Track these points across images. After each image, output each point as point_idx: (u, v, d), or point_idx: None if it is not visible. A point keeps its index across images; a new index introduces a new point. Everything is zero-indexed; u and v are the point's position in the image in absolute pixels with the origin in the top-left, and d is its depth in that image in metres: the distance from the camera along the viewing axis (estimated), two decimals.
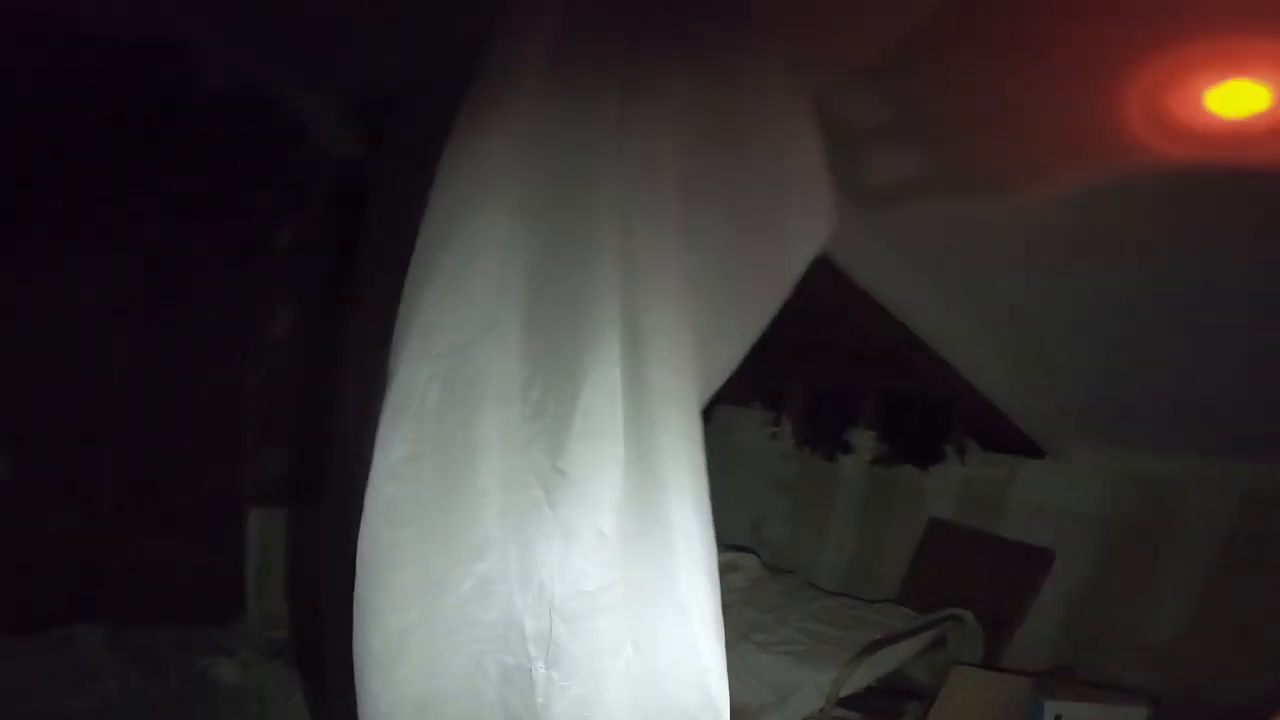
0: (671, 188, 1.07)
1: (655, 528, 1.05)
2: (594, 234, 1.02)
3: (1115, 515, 2.33)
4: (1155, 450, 2.23)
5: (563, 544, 0.99)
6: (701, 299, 1.12)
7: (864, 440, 3.35)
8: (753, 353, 3.68)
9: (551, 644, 0.99)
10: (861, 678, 1.94)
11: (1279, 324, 1.60)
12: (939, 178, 1.67)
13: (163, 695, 2.24)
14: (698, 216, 1.11)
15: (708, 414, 4.22)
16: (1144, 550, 2.24)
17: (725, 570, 2.98)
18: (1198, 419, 2.02)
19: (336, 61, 2.31)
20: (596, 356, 0.99)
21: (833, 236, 1.91)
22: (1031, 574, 2.43)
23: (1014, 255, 1.84)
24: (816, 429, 3.63)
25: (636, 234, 1.03)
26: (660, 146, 1.07)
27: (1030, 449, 2.62)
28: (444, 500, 1.01)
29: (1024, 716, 1.70)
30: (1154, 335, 1.84)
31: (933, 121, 1.55)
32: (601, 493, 0.99)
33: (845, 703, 2.00)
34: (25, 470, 2.33)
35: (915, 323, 2.19)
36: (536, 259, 1.05)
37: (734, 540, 3.82)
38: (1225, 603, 2.06)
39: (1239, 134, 1.26)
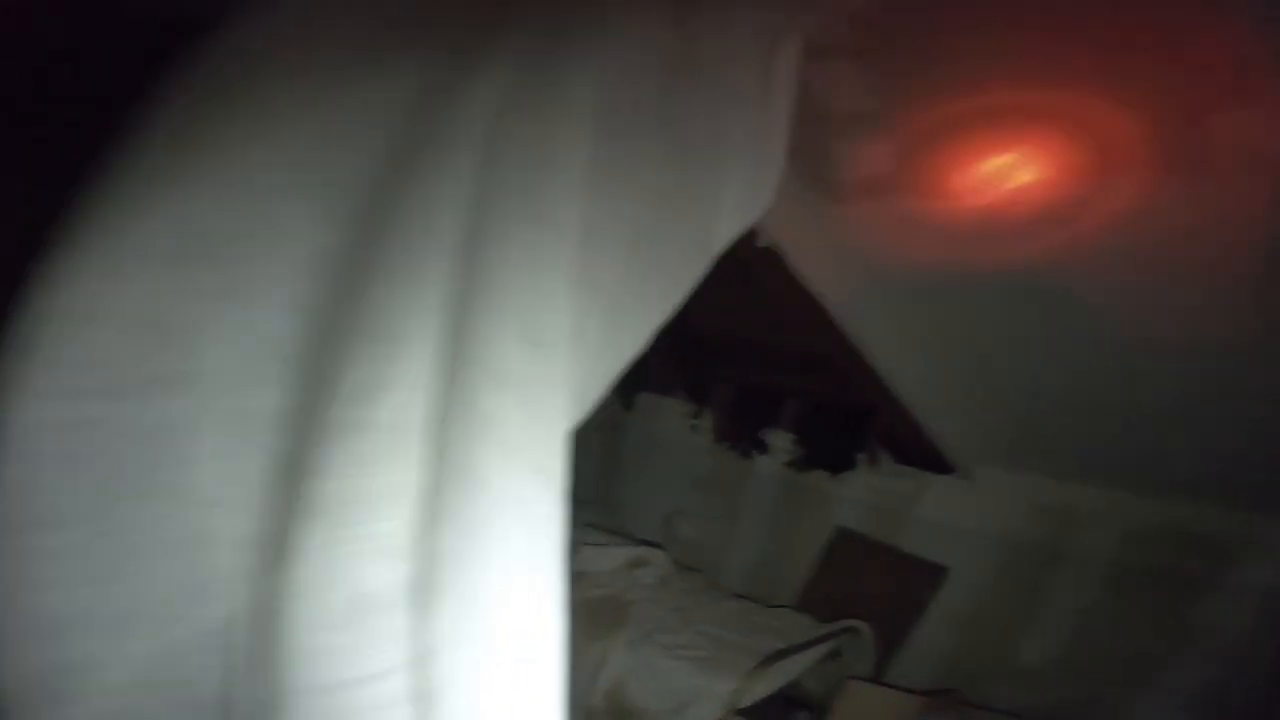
0: (574, 124, 0.83)
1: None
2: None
3: (1009, 538, 2.44)
4: (1055, 478, 2.34)
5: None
6: (602, 261, 0.89)
7: (781, 441, 3.38)
8: (680, 341, 3.58)
9: None
10: (760, 690, 1.94)
11: (1186, 369, 1.67)
12: (909, 178, 1.63)
13: None
14: (609, 166, 0.87)
15: (629, 400, 4.15)
16: (1030, 575, 2.36)
17: (634, 565, 2.97)
18: (1097, 452, 2.13)
19: None
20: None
21: (787, 226, 1.94)
22: (923, 589, 2.52)
23: (959, 272, 1.83)
24: (737, 426, 3.64)
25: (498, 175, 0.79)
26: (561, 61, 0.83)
27: (939, 465, 2.70)
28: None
29: None
30: (1069, 369, 1.90)
31: (913, 113, 1.48)
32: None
33: (739, 710, 2.01)
34: None
35: (851, 327, 2.20)
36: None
37: (645, 533, 3.81)
38: (1099, 633, 2.19)
39: None
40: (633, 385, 4.38)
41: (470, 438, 0.74)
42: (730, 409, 3.74)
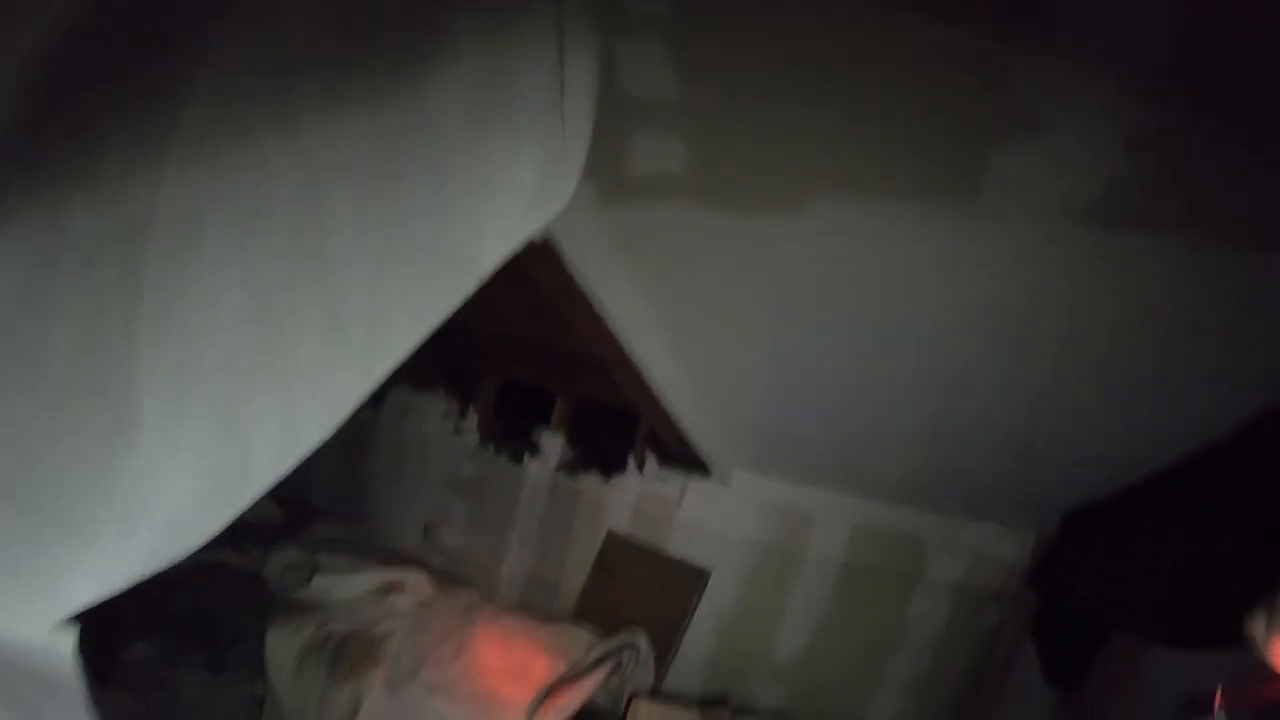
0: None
1: None
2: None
3: (760, 540, 2.69)
4: (796, 483, 2.63)
5: None
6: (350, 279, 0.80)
7: (552, 443, 3.29)
8: (442, 335, 3.27)
9: None
10: (556, 713, 1.82)
11: (905, 389, 1.97)
12: (697, 182, 1.64)
13: None
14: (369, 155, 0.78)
15: (381, 396, 3.66)
16: (780, 575, 2.63)
17: (385, 590, 2.59)
18: (832, 461, 2.45)
19: None
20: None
21: (562, 222, 1.85)
22: (688, 593, 2.66)
23: (733, 286, 1.91)
24: (505, 427, 3.45)
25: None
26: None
27: (699, 467, 2.86)
28: None
29: None
30: (806, 383, 2.13)
31: (713, 116, 1.48)
32: None
33: None
34: None
35: (621, 327, 2.19)
36: None
37: (404, 542, 3.39)
38: (838, 627, 2.51)
39: None
40: (383, 383, 3.88)
41: None
42: (497, 409, 3.53)
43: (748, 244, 1.75)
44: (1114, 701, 1.77)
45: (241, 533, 3.06)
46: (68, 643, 0.66)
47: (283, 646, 2.17)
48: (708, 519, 2.83)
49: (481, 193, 0.96)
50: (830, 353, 1.98)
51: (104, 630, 2.24)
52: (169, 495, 0.66)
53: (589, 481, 3.13)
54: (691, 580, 2.69)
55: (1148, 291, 1.40)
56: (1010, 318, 1.58)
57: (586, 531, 3.04)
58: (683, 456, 2.88)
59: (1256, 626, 1.22)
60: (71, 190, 0.55)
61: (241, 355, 0.70)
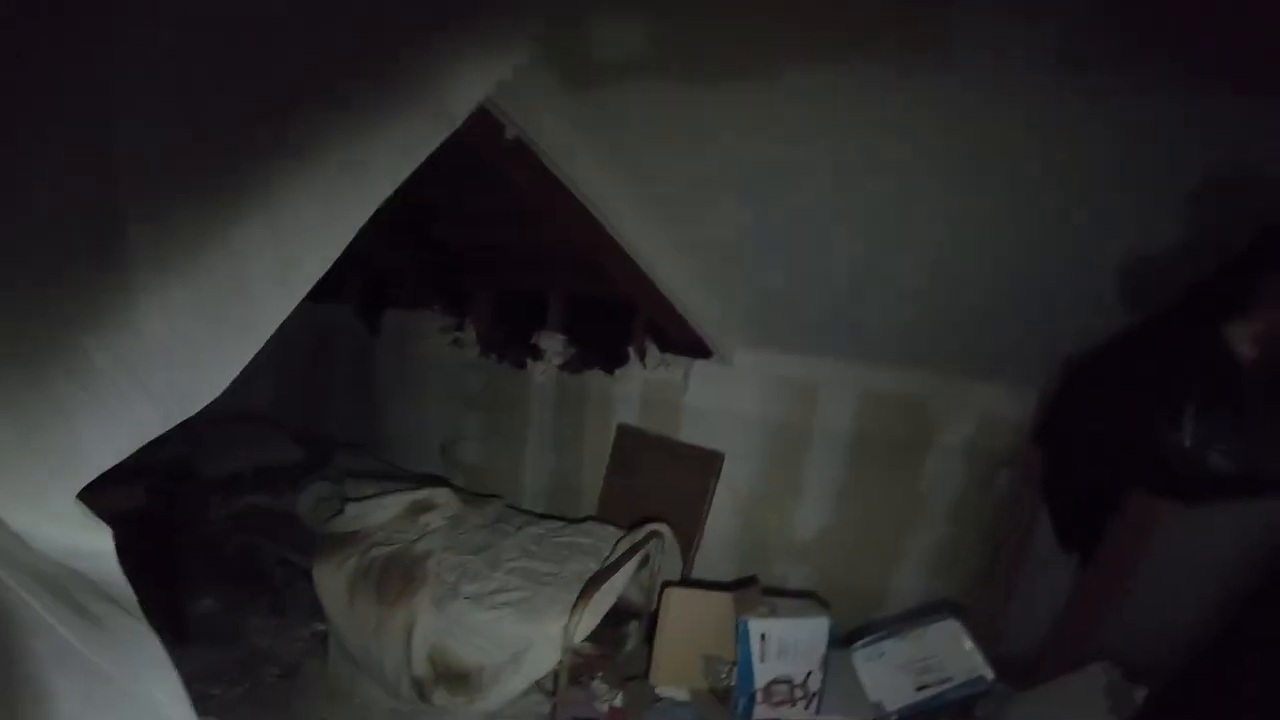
0: None
1: None
2: None
3: (770, 418, 2.73)
4: (799, 354, 2.62)
5: None
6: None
7: (552, 344, 3.28)
8: (430, 250, 3.22)
9: None
10: (589, 621, 1.95)
11: (902, 249, 1.89)
12: (662, 59, 1.56)
13: None
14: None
15: (375, 319, 3.68)
16: (792, 451, 2.68)
17: (417, 510, 2.70)
18: (832, 327, 2.41)
19: None
20: None
21: (534, 116, 1.76)
22: (706, 477, 2.74)
23: (703, 159, 1.83)
24: (504, 334, 3.43)
25: None
26: None
27: (700, 350, 2.86)
28: None
29: (733, 632, 1.93)
30: (801, 249, 2.06)
31: None
32: None
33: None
34: None
35: (607, 217, 2.16)
36: None
37: (424, 467, 3.51)
38: (854, 501, 2.57)
39: None
40: (376, 304, 3.81)
41: None
42: (494, 316, 3.49)
43: (718, 115, 1.66)
44: (1133, 568, 1.83)
45: (269, 476, 3.17)
46: (109, 546, 0.70)
47: (331, 580, 2.30)
48: (715, 401, 2.86)
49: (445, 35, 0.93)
50: (816, 217, 1.90)
51: (167, 589, 2.39)
52: (171, 325, 0.66)
53: (594, 378, 3.16)
54: (706, 464, 2.77)
55: (1123, 130, 1.34)
56: (998, 164, 1.51)
57: (598, 428, 3.11)
58: (683, 341, 2.86)
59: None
60: None
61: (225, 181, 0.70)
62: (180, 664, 2.36)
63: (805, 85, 1.48)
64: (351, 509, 2.65)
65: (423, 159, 0.92)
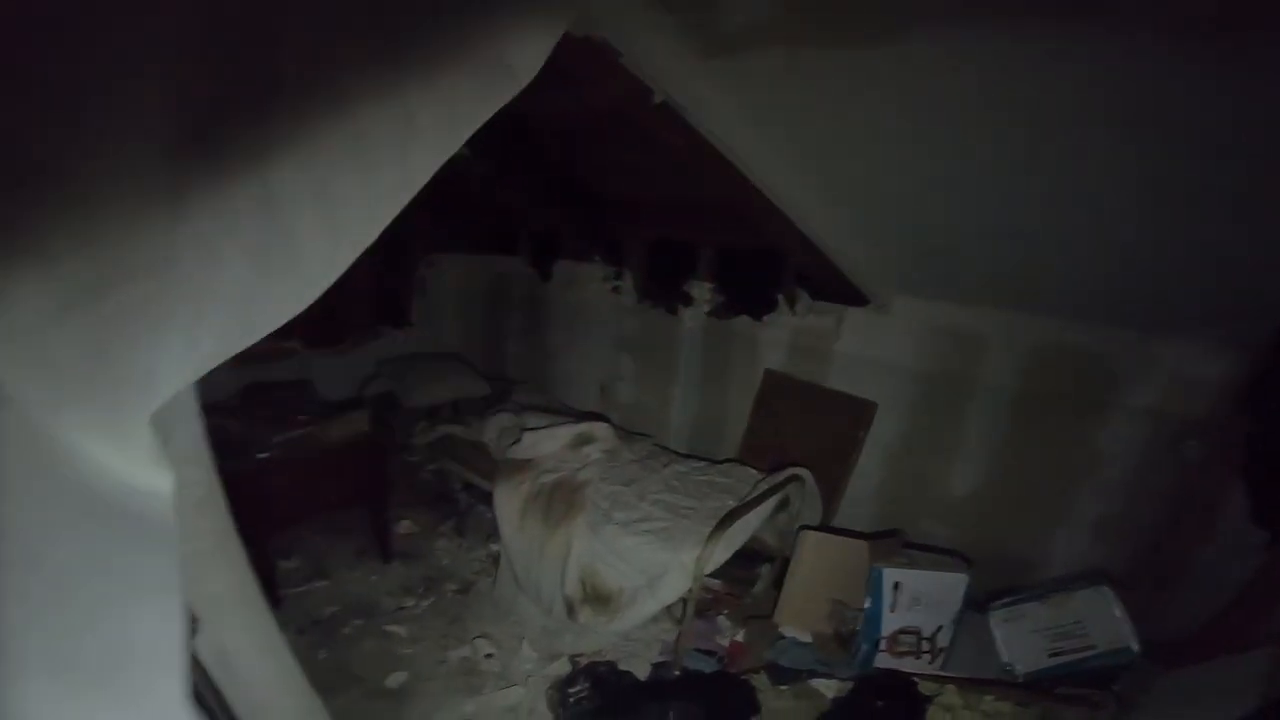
0: None
1: None
2: None
3: (927, 369, 2.59)
4: (961, 303, 2.45)
5: None
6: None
7: (702, 291, 3.37)
8: (590, 206, 3.42)
9: None
10: (721, 554, 2.08)
11: (1091, 196, 1.70)
12: (792, 26, 1.53)
13: None
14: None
15: (546, 270, 4.02)
16: (950, 405, 2.54)
17: (579, 443, 3.01)
18: (1000, 277, 2.22)
19: None
20: None
21: (679, 81, 1.80)
22: (856, 426, 2.70)
23: (855, 110, 1.76)
24: (658, 282, 3.58)
25: None
26: None
27: (854, 298, 2.77)
28: None
29: (866, 580, 1.96)
30: (972, 196, 1.91)
31: None
32: None
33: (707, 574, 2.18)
34: None
35: (755, 173, 2.16)
36: None
37: (584, 405, 3.85)
38: (1016, 460, 2.40)
39: None
40: (546, 256, 4.16)
41: None
42: (649, 266, 3.64)
43: (862, 74, 1.58)
44: None
45: (461, 409, 3.70)
46: (167, 488, 0.65)
47: (507, 501, 2.68)
48: (869, 349, 2.78)
49: None
50: (991, 164, 1.74)
51: (380, 513, 2.91)
52: (220, 269, 0.67)
53: (741, 324, 3.20)
54: (856, 413, 2.72)
55: None
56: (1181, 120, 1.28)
57: (745, 373, 3.18)
58: (836, 288, 2.79)
59: None
60: None
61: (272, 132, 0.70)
62: (382, 581, 2.91)
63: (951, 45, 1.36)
64: (527, 438, 3.01)
65: (484, 119, 0.87)
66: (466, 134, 0.85)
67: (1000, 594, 2.04)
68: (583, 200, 3.46)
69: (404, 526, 3.19)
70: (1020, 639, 1.90)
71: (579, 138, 2.72)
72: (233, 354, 0.71)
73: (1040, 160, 1.64)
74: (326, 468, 2.61)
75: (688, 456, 2.98)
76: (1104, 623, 1.81)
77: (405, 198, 0.82)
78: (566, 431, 3.05)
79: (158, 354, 0.64)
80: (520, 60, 0.89)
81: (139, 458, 0.63)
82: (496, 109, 0.87)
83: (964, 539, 2.49)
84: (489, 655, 2.34)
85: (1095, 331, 2.10)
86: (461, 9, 0.84)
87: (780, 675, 2.04)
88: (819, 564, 2.13)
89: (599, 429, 3.09)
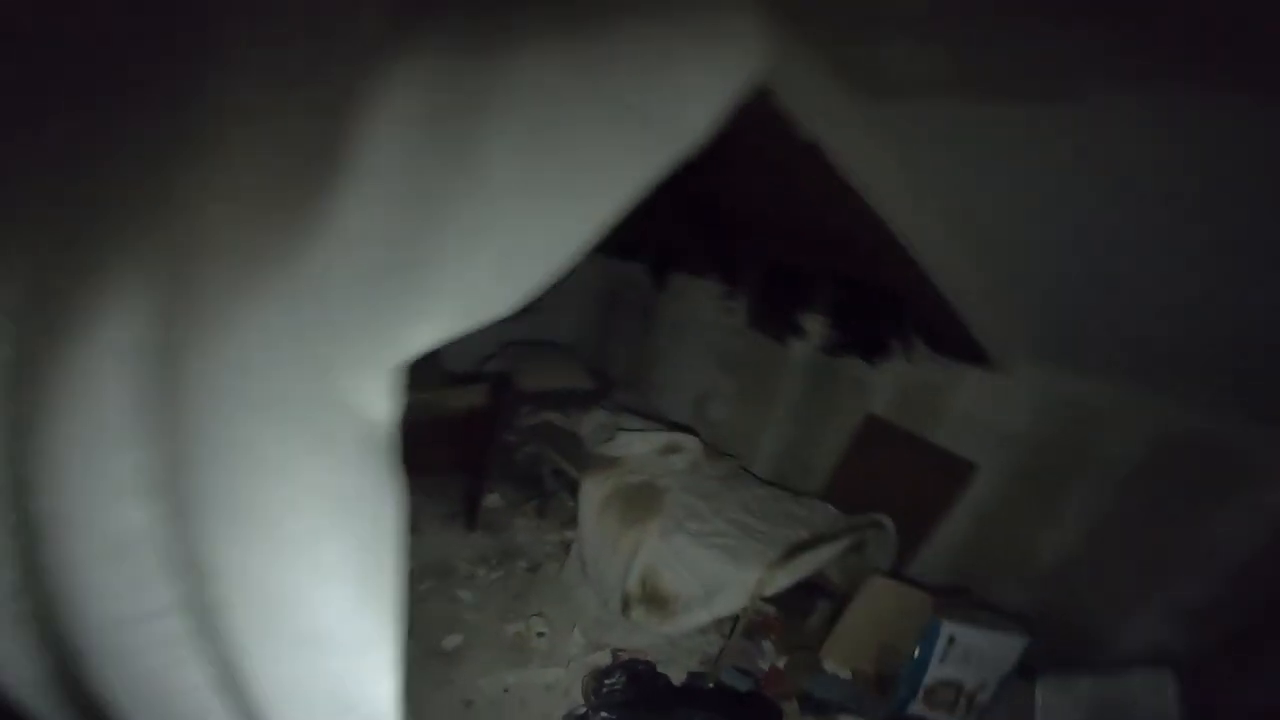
0: None
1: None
2: None
3: (1039, 438, 2.44)
4: (1092, 377, 2.29)
5: None
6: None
7: (815, 325, 3.35)
8: (712, 223, 3.51)
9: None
10: (784, 579, 2.09)
11: (1231, 272, 1.57)
12: (961, 78, 1.52)
13: None
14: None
15: (663, 280, 4.16)
16: (1056, 476, 2.38)
17: (667, 450, 3.10)
18: (1133, 351, 2.07)
19: None
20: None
21: (829, 124, 1.84)
22: (952, 484, 2.58)
23: (1000, 164, 1.73)
24: (770, 308, 3.59)
25: None
26: None
27: (976, 357, 2.66)
28: None
29: (923, 631, 1.90)
30: (1110, 263, 1.81)
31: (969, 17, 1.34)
32: None
33: (763, 598, 2.19)
34: None
35: (888, 213, 2.13)
36: None
37: (676, 416, 3.94)
38: (1115, 539, 2.23)
39: None
40: (664, 267, 4.31)
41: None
42: (764, 291, 3.67)
43: (1024, 132, 1.57)
44: None
45: (565, 398, 3.92)
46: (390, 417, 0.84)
47: (591, 494, 2.82)
48: (980, 410, 2.67)
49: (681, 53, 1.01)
50: (1151, 239, 1.66)
51: (478, 482, 3.15)
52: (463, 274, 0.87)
53: (851, 364, 3.15)
54: (955, 472, 2.61)
55: None
56: None
57: (845, 413, 3.12)
58: (956, 343, 2.69)
59: None
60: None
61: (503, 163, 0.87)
62: (462, 548, 3.13)
63: (1114, 105, 1.33)
64: (621, 438, 3.16)
65: (655, 176, 0.99)
66: (639, 187, 0.99)
67: (1056, 664, 1.90)
68: (706, 216, 3.56)
69: (491, 500, 3.39)
70: (1062, 711, 1.75)
71: (714, 158, 2.81)
72: (458, 335, 0.90)
73: (1201, 238, 1.54)
74: (440, 433, 2.85)
75: (769, 483, 2.98)
76: (1157, 709, 1.65)
77: (609, 219, 0.97)
78: (657, 438, 3.16)
79: (410, 329, 0.85)
80: (695, 122, 1.02)
81: (385, 399, 0.84)
82: (669, 165, 1.00)
83: (1039, 607, 2.35)
84: (541, 634, 2.47)
85: (1230, 421, 1.90)
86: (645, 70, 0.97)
87: (812, 706, 2.04)
88: (878, 608, 2.08)
89: (688, 441, 3.17)
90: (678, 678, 2.24)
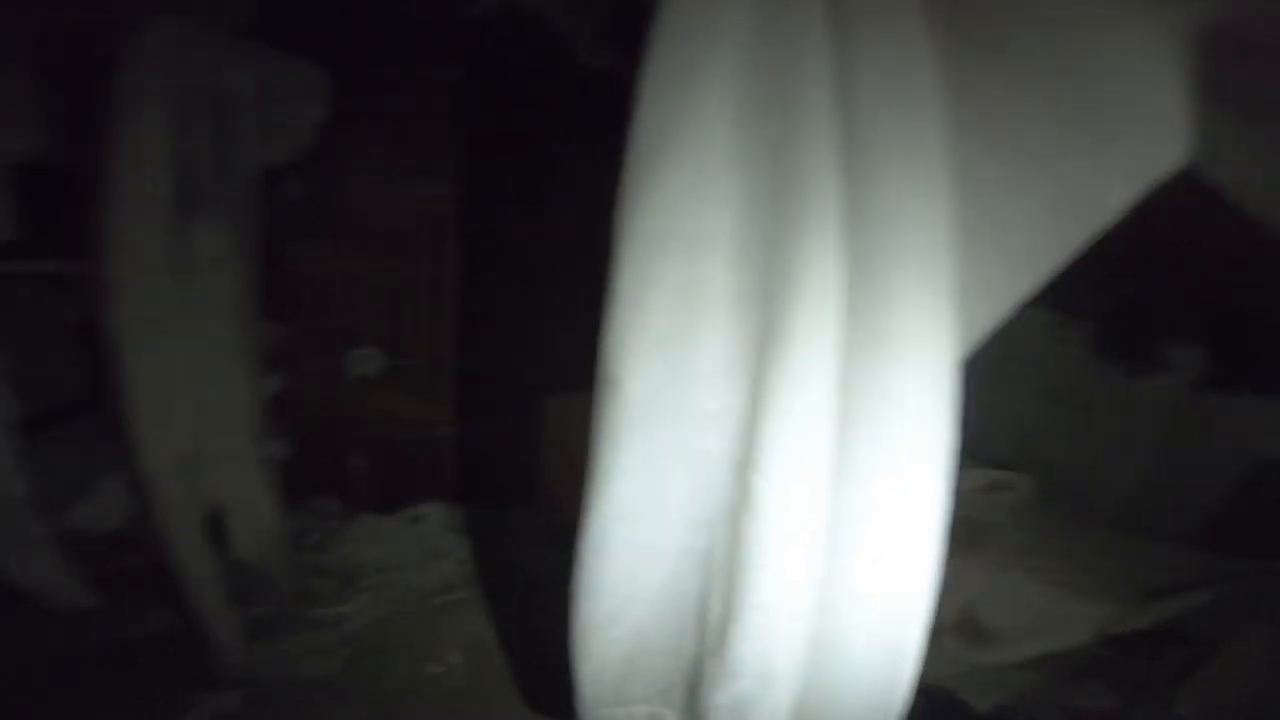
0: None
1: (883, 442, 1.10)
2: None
3: None
4: None
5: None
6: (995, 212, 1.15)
7: (1183, 357, 2.99)
8: None
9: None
10: (1139, 619, 1.99)
11: None
12: None
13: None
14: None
15: None
16: None
17: (993, 488, 3.06)
18: None
19: None
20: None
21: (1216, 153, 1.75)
22: None
23: None
24: (1120, 338, 3.28)
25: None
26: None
27: None
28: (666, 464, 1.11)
29: None
30: None
31: None
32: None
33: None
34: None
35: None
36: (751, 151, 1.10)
37: (998, 455, 3.77)
38: None
39: None
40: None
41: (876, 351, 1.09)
42: (1110, 318, 3.36)
43: None
44: None
45: None
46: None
47: None
48: None
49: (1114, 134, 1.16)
50: None
51: None
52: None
53: (1233, 401, 2.75)
54: None
55: None
56: None
57: (1222, 456, 2.72)
58: None
59: None
60: None
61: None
62: None
63: None
64: None
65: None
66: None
67: None
68: None
69: None
70: None
71: None
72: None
73: None
74: None
75: (1124, 529, 2.76)
76: None
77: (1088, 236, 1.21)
78: (981, 474, 3.14)
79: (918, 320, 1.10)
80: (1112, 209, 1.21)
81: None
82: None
83: None
84: None
85: None
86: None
87: None
88: (1240, 674, 1.84)
89: (1014, 479, 3.09)
90: (980, 707, 2.16)
